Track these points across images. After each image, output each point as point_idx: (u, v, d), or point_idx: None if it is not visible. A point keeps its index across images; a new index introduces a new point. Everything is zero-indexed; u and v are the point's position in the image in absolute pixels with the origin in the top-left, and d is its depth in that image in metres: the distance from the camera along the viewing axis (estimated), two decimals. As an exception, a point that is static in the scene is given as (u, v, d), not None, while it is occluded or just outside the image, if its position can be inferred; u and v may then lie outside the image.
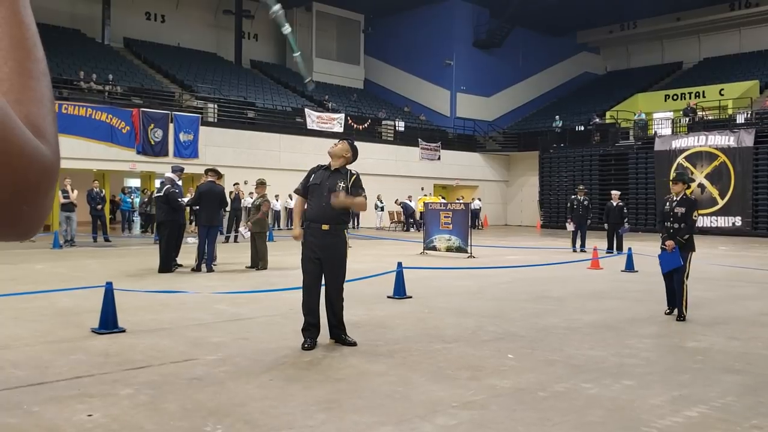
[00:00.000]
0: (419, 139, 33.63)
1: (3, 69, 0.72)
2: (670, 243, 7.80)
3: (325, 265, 6.16)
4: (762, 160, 26.70)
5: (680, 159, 28.42)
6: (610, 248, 17.11)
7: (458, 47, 39.12)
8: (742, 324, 7.63)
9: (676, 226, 7.81)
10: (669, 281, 8.02)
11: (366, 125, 32.45)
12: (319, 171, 6.38)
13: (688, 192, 8.14)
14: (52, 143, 0.72)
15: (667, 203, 8.05)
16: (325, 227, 6.11)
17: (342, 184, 6.15)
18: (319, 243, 6.11)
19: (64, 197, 17.16)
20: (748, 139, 26.79)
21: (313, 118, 30.29)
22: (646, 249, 17.26)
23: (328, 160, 6.43)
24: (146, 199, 24.58)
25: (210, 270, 12.27)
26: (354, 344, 6.20)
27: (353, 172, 6.38)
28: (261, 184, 13.46)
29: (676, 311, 7.89)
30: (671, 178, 8.34)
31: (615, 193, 18.22)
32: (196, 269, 12.31)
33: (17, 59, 0.74)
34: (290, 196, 28.97)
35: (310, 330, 6.16)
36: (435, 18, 38.95)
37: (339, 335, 6.30)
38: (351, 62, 41.93)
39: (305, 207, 6.40)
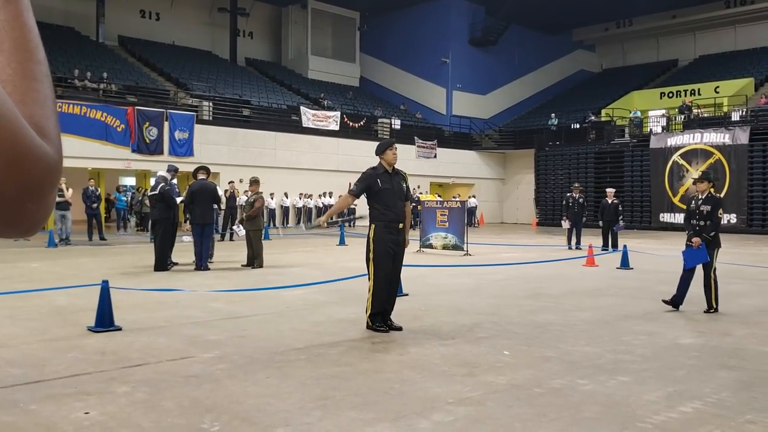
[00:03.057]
0: (415, 137, 33.63)
1: (6, 71, 0.74)
2: (696, 240, 8.04)
3: (397, 259, 6.93)
4: (757, 157, 26.77)
5: (675, 156, 28.48)
6: (605, 245, 17.15)
7: (454, 45, 39.12)
8: (736, 320, 7.66)
9: (702, 223, 8.08)
10: (688, 276, 8.19)
11: (362, 123, 32.43)
12: (380, 175, 6.94)
13: (712, 190, 8.38)
14: (55, 143, 0.73)
15: (693, 201, 8.32)
16: (400, 226, 6.92)
17: (405, 185, 7.06)
18: (396, 239, 6.87)
19: (59, 195, 17.13)
20: (743, 136, 26.86)
21: (309, 116, 30.27)
22: (642, 246, 17.33)
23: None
24: (140, 197, 24.54)
25: (206, 268, 12.25)
26: (400, 328, 6.83)
27: (404, 172, 7.22)
28: (254, 182, 13.48)
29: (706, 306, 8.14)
30: (696, 178, 8.58)
31: (610, 190, 18.29)
32: (199, 268, 12.25)
33: (20, 61, 0.75)
34: (273, 195, 28.91)
35: (384, 317, 6.84)
36: (431, 15, 38.93)
37: (390, 320, 6.92)
38: (347, 60, 41.88)
39: (372, 210, 6.98)
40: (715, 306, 8.07)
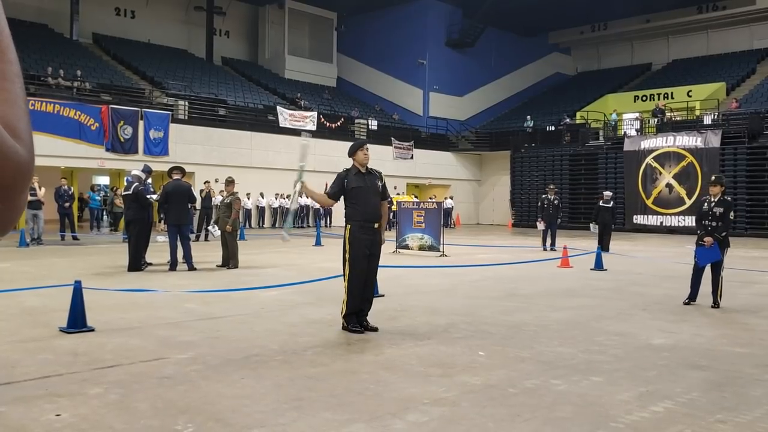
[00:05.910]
0: (392, 138, 33.67)
1: None
2: (709, 239, 8.50)
3: (372, 259, 6.91)
4: (728, 161, 27.19)
5: (649, 159, 28.83)
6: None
7: (431, 46, 39.24)
8: (706, 321, 7.78)
9: (714, 224, 8.53)
10: (699, 274, 8.67)
11: (339, 123, 32.40)
12: (352, 176, 6.93)
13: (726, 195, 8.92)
14: (27, 143, 0.73)
15: (705, 204, 8.73)
16: (375, 226, 6.89)
17: (380, 184, 7.01)
18: (371, 239, 6.86)
19: (32, 195, 16.87)
20: (714, 140, 27.27)
21: (285, 116, 30.17)
22: (615, 248, 17.50)
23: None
24: (112, 197, 24.21)
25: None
26: (375, 329, 6.78)
27: (379, 172, 7.13)
28: (230, 183, 13.38)
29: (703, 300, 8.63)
30: (710, 181, 9.00)
31: (607, 193, 18.25)
32: (173, 268, 12.14)
33: None
34: (249, 195, 28.80)
35: (360, 317, 6.83)
36: (408, 17, 39.01)
37: (366, 321, 6.88)
38: (324, 60, 41.81)
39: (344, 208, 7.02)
40: (719, 301, 8.53)
